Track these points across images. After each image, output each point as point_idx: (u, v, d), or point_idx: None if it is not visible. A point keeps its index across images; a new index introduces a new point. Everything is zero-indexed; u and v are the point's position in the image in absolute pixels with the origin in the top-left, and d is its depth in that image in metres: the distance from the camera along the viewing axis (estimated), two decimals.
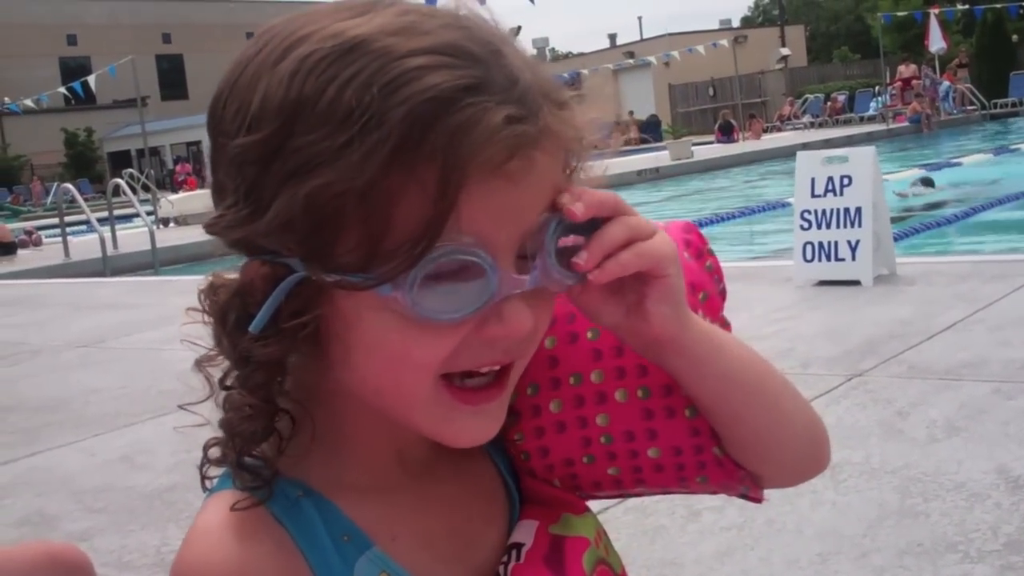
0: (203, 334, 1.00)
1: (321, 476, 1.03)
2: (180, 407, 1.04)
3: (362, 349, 0.95)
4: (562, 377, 1.11)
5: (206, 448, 1.02)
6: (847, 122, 42.65)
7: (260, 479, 0.99)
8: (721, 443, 1.12)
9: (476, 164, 0.88)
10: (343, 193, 0.87)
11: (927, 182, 14.68)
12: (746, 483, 1.16)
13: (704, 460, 1.13)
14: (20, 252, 20.49)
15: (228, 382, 0.99)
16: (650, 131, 50.35)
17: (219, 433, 1.01)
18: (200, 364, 1.01)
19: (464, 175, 0.87)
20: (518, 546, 1.10)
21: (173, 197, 28.08)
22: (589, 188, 0.99)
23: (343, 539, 1.01)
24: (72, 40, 75.28)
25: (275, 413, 0.98)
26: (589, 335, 1.11)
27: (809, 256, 8.11)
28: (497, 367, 0.99)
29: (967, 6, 47.04)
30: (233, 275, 0.97)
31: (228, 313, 0.96)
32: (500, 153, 0.89)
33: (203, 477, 1.04)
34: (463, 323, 0.93)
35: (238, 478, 0.99)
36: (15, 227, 24.41)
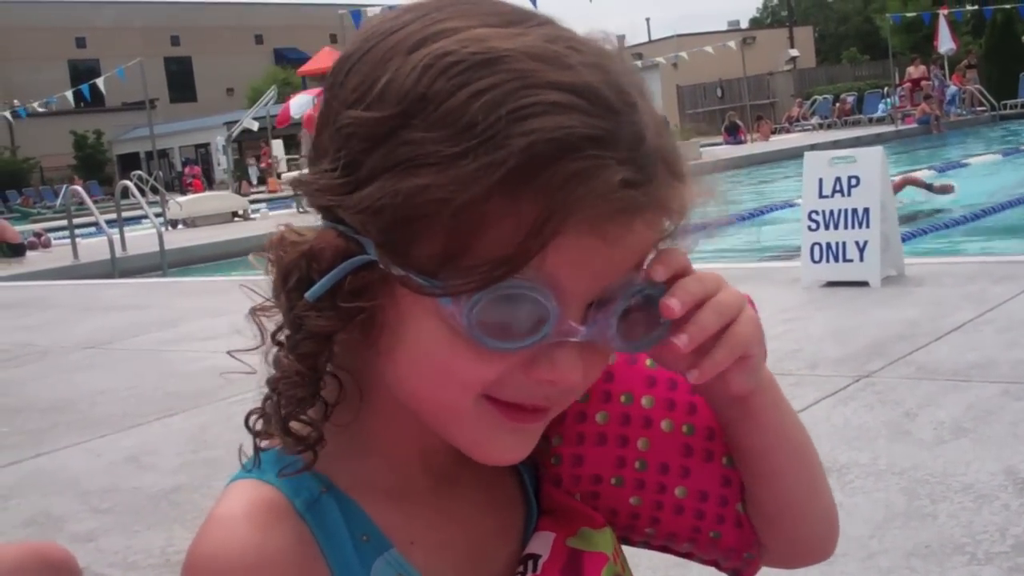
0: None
1: (346, 474, 1.02)
2: (229, 353, 1.01)
3: (410, 350, 0.94)
4: (614, 392, 1.12)
5: (248, 418, 1.01)
6: (856, 123, 42.58)
7: (305, 444, 0.97)
8: (745, 502, 1.13)
9: (578, 216, 0.87)
10: (441, 201, 0.86)
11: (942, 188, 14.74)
12: (753, 551, 1.16)
13: (724, 514, 1.13)
14: (29, 254, 20.51)
15: (280, 338, 0.98)
16: None
17: (261, 402, 1.00)
18: (254, 312, 1.00)
19: (564, 223, 0.87)
20: (534, 557, 1.09)
21: (181, 199, 28.09)
22: (677, 253, 0.99)
23: (362, 538, 1.00)
24: (81, 43, 75.48)
25: (320, 380, 0.97)
26: (648, 362, 1.13)
27: (817, 257, 8.09)
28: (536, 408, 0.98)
29: (976, 7, 47.00)
30: (306, 234, 0.96)
31: (292, 272, 0.95)
32: (605, 213, 0.88)
33: (255, 431, 1.01)
34: (512, 355, 0.93)
35: (283, 443, 0.97)
36: (24, 229, 24.46)
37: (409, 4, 0.98)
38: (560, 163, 0.86)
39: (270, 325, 0.99)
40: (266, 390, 0.99)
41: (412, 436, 1.04)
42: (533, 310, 0.90)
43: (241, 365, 1.02)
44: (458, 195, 0.86)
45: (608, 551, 1.11)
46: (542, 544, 1.10)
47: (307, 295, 0.93)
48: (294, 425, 0.97)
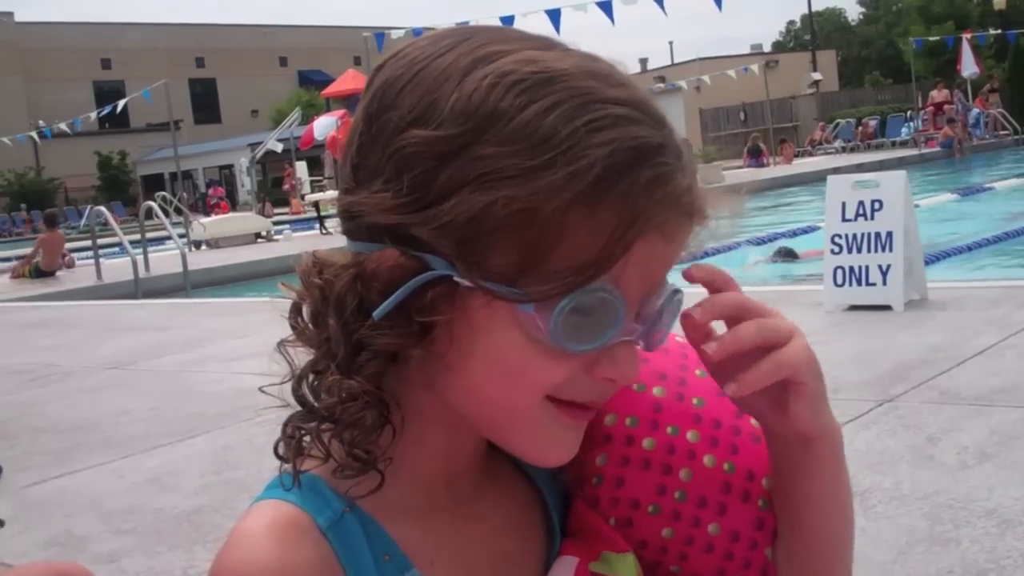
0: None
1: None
2: (261, 389, 1.02)
3: (482, 358, 0.95)
4: (662, 423, 1.14)
5: (286, 428, 1.01)
6: (879, 147, 42.50)
7: (368, 465, 0.98)
8: (774, 549, 1.15)
9: (656, 221, 0.92)
10: (523, 211, 0.88)
11: (788, 253, 14.21)
12: None
13: (752, 559, 1.15)
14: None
15: (319, 367, 0.98)
16: None
17: (290, 427, 1.01)
18: (283, 345, 1.01)
19: (646, 227, 0.91)
20: None
21: (205, 220, 28.17)
22: (713, 267, 1.06)
23: (384, 558, 1.01)
24: (106, 64, 75.94)
25: (387, 403, 0.98)
26: (695, 401, 1.15)
27: (840, 281, 8.07)
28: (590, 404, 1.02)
29: (1000, 31, 46.88)
30: (339, 258, 0.97)
31: (346, 295, 0.96)
32: (676, 215, 0.94)
33: (282, 457, 1.02)
34: (581, 356, 0.95)
35: (347, 468, 0.98)
36: None
37: (439, 32, 1.00)
38: (639, 170, 0.90)
39: (298, 357, 1.00)
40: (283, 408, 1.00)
41: (438, 458, 1.05)
42: (607, 312, 0.93)
43: (274, 400, 1.02)
44: (542, 206, 0.88)
45: None
46: (565, 569, 1.10)
47: (375, 314, 0.94)
48: (358, 453, 0.98)
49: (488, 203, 0.88)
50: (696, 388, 1.16)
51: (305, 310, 1.00)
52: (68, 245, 23.99)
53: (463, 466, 1.07)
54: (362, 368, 0.96)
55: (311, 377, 0.99)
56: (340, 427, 0.97)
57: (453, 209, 0.89)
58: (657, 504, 1.12)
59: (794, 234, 16.45)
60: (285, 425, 1.01)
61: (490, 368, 0.95)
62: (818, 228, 12.03)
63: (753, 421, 1.15)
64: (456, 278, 0.92)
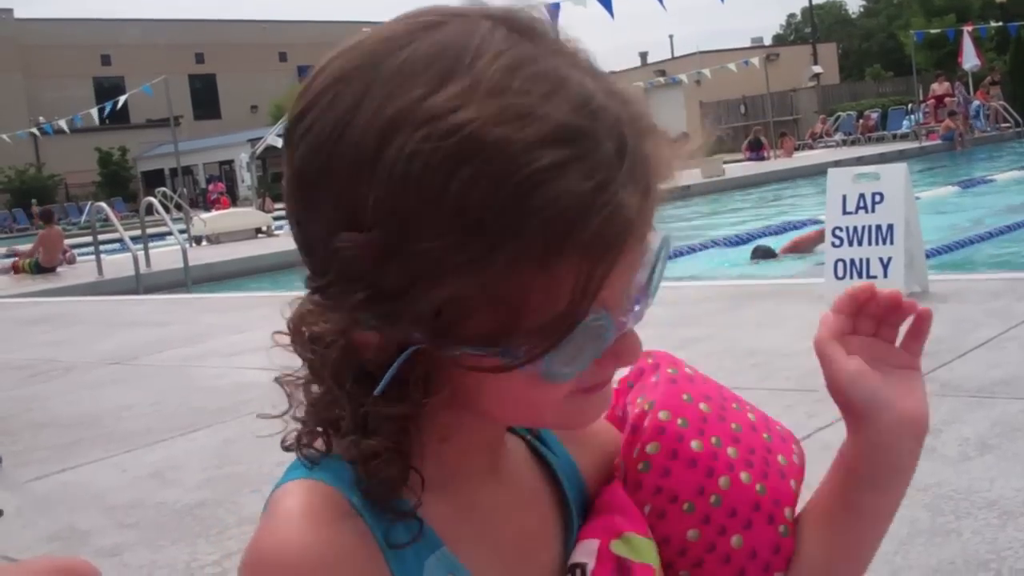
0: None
1: None
2: (259, 416, 1.03)
3: (490, 395, 0.97)
4: (708, 432, 1.17)
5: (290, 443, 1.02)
6: (880, 140, 42.46)
7: (406, 516, 0.98)
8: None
9: (618, 254, 0.89)
10: (477, 297, 0.87)
11: (766, 253, 14.15)
12: None
13: None
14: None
15: (331, 421, 0.98)
16: None
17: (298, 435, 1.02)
18: (281, 383, 1.01)
19: (611, 267, 0.89)
20: (580, 566, 1.11)
21: (205, 216, 28.17)
22: None
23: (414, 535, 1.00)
24: (106, 60, 75.95)
25: (409, 456, 0.97)
26: (733, 426, 1.20)
27: (841, 273, 8.06)
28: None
29: (1001, 23, 46.83)
30: (325, 325, 0.95)
31: (341, 369, 0.95)
32: (637, 235, 0.91)
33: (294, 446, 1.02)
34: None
35: (387, 510, 0.97)
36: None
37: (324, 79, 0.93)
38: (581, 224, 0.86)
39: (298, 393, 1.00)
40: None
41: (461, 443, 1.05)
42: (599, 335, 0.93)
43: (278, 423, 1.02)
44: (494, 290, 0.86)
45: (655, 563, 1.13)
46: (587, 552, 1.11)
47: (375, 392, 0.93)
48: (394, 503, 0.98)
49: (444, 296, 0.87)
50: (734, 416, 1.21)
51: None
52: (69, 241, 24.02)
53: (486, 445, 1.08)
54: (377, 431, 0.95)
55: (319, 429, 1.00)
56: (363, 478, 0.97)
57: (412, 303, 0.88)
58: (693, 503, 1.14)
59: (794, 227, 16.45)
60: (299, 442, 1.01)
61: (501, 401, 0.97)
62: (819, 221, 12.02)
63: (795, 449, 1.24)
64: (436, 352, 0.91)
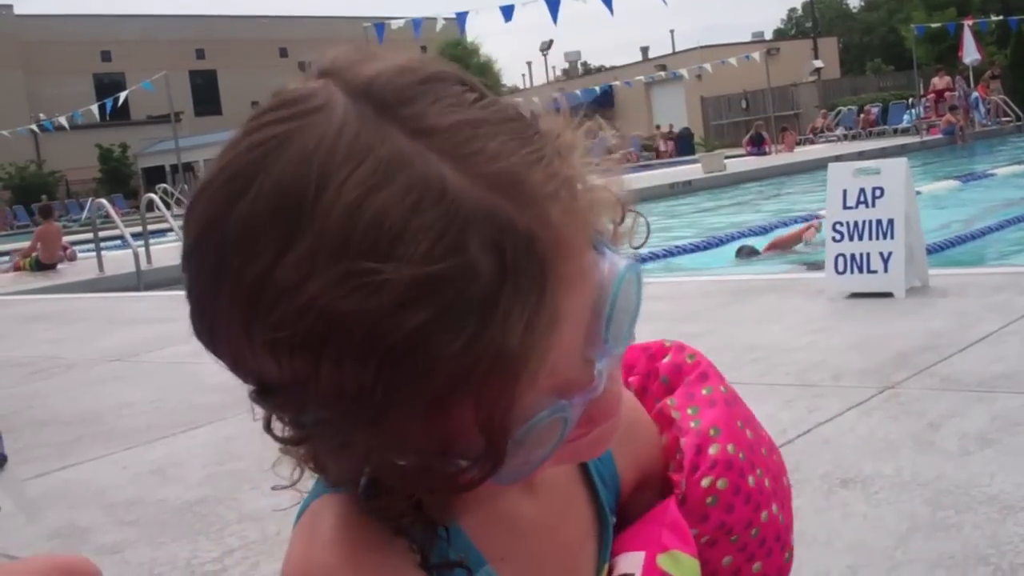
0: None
1: None
2: (274, 488, 0.99)
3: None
4: (756, 465, 1.19)
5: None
6: (881, 134, 42.46)
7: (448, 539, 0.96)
8: None
9: (514, 387, 0.79)
10: (396, 448, 0.83)
11: (751, 252, 14.15)
12: None
13: None
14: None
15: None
16: (683, 144, 50.47)
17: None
18: (286, 451, 0.95)
19: (510, 402, 0.80)
20: None
21: None
22: None
23: (460, 554, 0.97)
24: (107, 56, 75.90)
25: (430, 517, 0.94)
26: (763, 451, 1.22)
27: (841, 268, 8.07)
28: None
29: (1001, 17, 46.81)
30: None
31: (324, 458, 0.94)
32: (533, 358, 0.79)
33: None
34: None
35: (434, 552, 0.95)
36: None
37: (189, 243, 0.88)
38: (463, 379, 0.78)
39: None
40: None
41: None
42: (550, 428, 0.85)
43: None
44: (406, 444, 0.82)
45: None
46: (633, 564, 1.11)
47: (360, 495, 0.92)
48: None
49: (362, 446, 0.83)
50: (760, 439, 1.23)
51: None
52: (70, 238, 24.01)
53: None
54: (387, 509, 0.92)
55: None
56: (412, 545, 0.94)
57: (344, 448, 0.85)
58: (739, 536, 1.16)
59: (795, 222, 16.44)
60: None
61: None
62: (819, 216, 12.02)
63: (787, 478, 1.25)
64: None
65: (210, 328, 0.86)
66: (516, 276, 0.76)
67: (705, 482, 1.14)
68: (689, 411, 1.17)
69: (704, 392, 1.19)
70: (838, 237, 8.10)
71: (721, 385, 1.21)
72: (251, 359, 0.82)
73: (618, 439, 1.03)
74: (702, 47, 61.37)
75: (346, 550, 0.91)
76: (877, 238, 7.91)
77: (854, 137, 42.88)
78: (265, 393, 0.84)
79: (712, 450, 1.15)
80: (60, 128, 41.36)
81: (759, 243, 14.61)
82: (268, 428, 0.91)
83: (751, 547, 1.17)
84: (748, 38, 73.09)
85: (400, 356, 0.76)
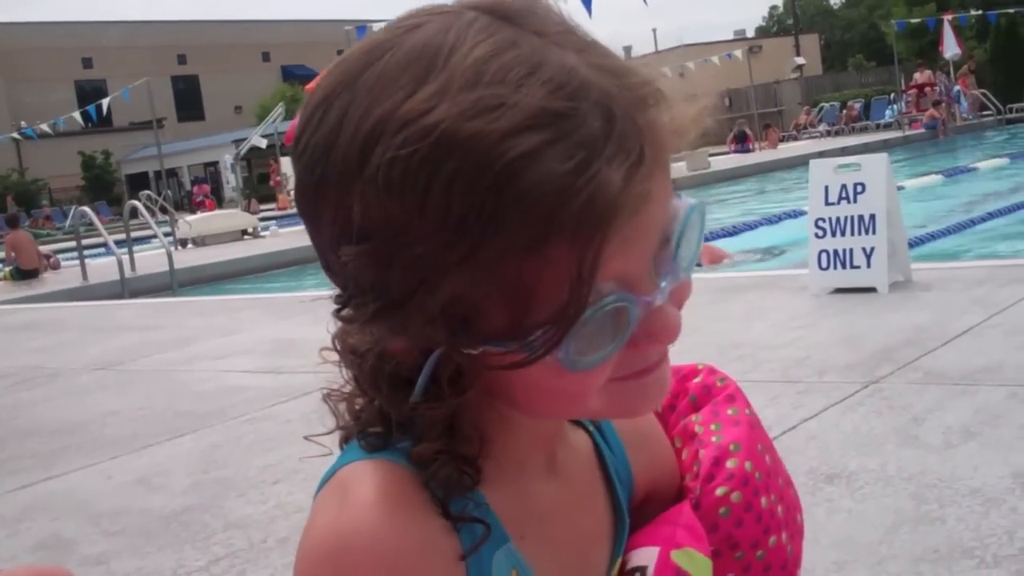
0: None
1: None
2: (307, 438, 1.05)
3: (523, 390, 0.95)
4: (771, 489, 1.21)
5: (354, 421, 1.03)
6: (863, 130, 42.58)
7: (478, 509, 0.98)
8: None
9: (607, 232, 0.85)
10: (479, 293, 0.86)
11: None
12: None
13: None
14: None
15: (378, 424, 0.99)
16: None
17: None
18: (328, 399, 1.03)
19: (601, 247, 0.85)
20: (641, 570, 1.13)
21: (191, 218, 28.11)
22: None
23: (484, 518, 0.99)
24: (88, 63, 75.67)
25: (463, 455, 0.97)
26: (780, 481, 1.24)
27: (824, 264, 8.08)
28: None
29: (981, 11, 46.95)
30: (360, 341, 0.98)
31: (378, 379, 0.97)
32: (626, 211, 0.86)
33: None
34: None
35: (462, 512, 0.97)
36: None
37: (325, 90, 0.93)
38: (563, 208, 0.83)
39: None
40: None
41: (528, 435, 1.04)
42: (615, 317, 0.90)
43: (320, 448, 1.05)
44: (493, 285, 0.85)
45: None
46: (647, 558, 1.13)
47: (411, 399, 0.95)
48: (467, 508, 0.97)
49: (446, 297, 0.86)
50: (778, 469, 1.25)
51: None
52: (53, 246, 23.96)
53: (542, 440, 1.07)
54: (423, 436, 0.96)
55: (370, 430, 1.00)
56: (435, 486, 0.96)
57: (419, 308, 0.87)
58: (744, 553, 1.18)
59: (778, 219, 16.48)
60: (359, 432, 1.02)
61: (534, 395, 0.95)
62: (802, 212, 12.03)
63: (800, 516, 1.27)
64: (459, 352, 0.91)
65: (319, 180, 0.90)
66: (621, 136, 0.86)
67: (720, 491, 1.17)
68: (712, 427, 1.21)
69: (729, 412, 1.22)
70: (820, 233, 8.11)
71: (747, 408, 1.24)
72: (356, 202, 0.87)
73: (633, 444, 1.16)
74: (684, 46, 61.49)
75: (386, 508, 0.93)
76: (859, 234, 7.93)
77: (837, 133, 42.98)
78: (360, 243, 0.88)
79: (730, 463, 1.17)
80: (43, 136, 41.26)
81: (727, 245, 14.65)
82: (337, 331, 0.99)
83: (755, 569, 1.18)
84: (730, 36, 73.29)
85: (510, 176, 0.83)
